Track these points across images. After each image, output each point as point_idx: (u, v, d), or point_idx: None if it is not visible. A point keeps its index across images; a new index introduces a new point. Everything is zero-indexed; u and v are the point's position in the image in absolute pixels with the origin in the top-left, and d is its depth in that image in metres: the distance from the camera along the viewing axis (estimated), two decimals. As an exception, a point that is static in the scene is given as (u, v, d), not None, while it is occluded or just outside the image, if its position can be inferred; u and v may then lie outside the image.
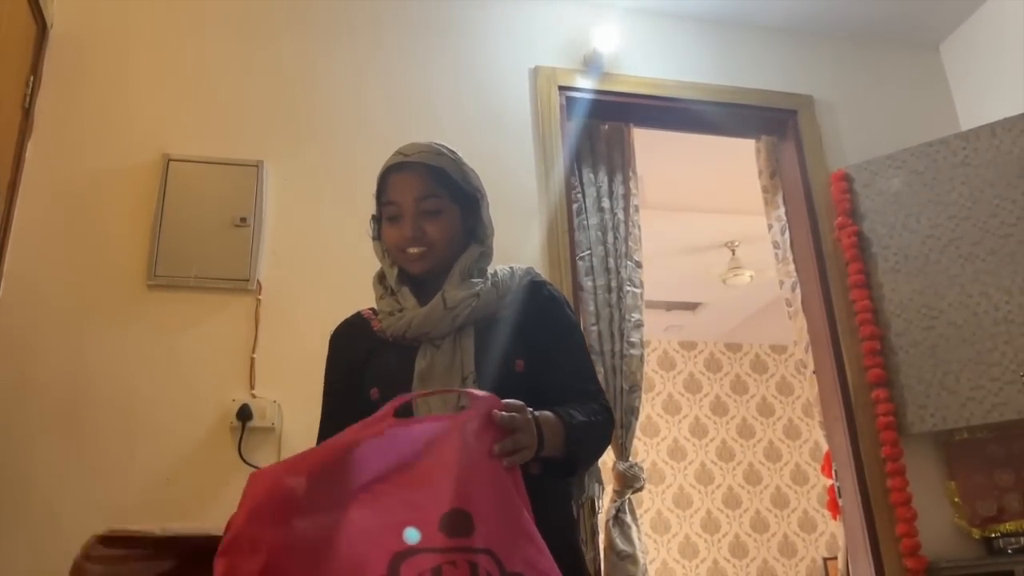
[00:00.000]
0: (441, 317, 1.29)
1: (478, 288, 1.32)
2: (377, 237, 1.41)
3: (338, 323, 1.46)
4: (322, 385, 1.42)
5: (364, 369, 1.34)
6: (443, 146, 1.38)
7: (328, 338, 1.45)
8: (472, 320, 1.30)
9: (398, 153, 1.37)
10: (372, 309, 1.43)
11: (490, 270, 1.38)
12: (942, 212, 2.69)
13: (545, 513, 1.09)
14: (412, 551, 0.86)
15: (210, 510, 2.06)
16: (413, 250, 1.33)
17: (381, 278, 1.41)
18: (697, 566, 6.09)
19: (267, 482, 0.98)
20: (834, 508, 2.75)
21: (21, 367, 2.07)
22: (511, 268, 1.40)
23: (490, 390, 1.16)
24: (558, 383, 1.30)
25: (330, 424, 1.37)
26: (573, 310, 1.45)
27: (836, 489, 2.71)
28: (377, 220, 1.41)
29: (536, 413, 1.12)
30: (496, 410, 1.03)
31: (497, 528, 0.90)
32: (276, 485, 0.98)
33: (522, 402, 1.09)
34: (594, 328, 2.65)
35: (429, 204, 1.33)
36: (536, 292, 1.38)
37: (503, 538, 0.90)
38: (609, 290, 2.71)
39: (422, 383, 1.25)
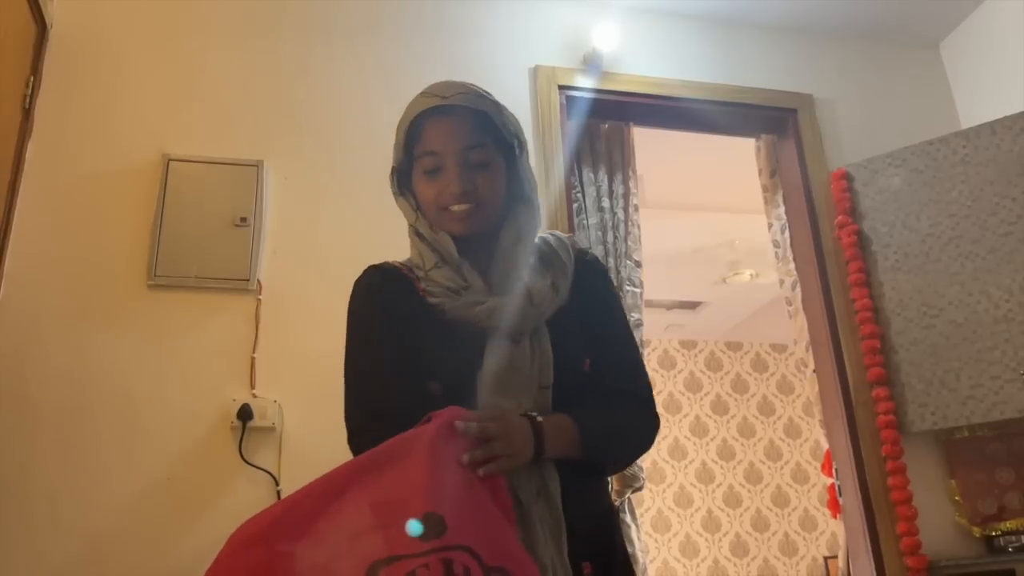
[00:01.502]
0: (528, 314, 1.14)
1: (552, 278, 1.19)
2: (401, 194, 1.24)
3: (360, 281, 1.25)
4: (343, 371, 1.20)
5: (411, 340, 1.15)
6: (478, 87, 1.21)
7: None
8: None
9: (432, 95, 1.18)
10: (404, 264, 1.25)
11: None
12: (942, 210, 2.69)
13: (579, 506, 1.07)
14: (389, 560, 0.85)
15: (210, 509, 2.06)
16: (459, 207, 1.16)
17: (420, 235, 1.22)
18: (698, 565, 6.09)
19: (243, 529, 0.95)
20: (834, 507, 2.75)
21: (21, 367, 2.07)
22: (555, 238, 1.26)
23: (562, 396, 1.12)
24: (603, 379, 1.18)
25: (383, 394, 1.12)
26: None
27: (836, 488, 2.71)
28: (400, 174, 1.24)
29: (540, 417, 1.06)
30: (459, 420, 0.96)
31: (474, 530, 0.89)
32: (253, 522, 0.94)
33: (500, 411, 1.04)
34: (594, 327, 2.65)
35: (477, 155, 1.16)
36: (587, 271, 1.25)
37: (480, 537, 0.89)
38: (609, 289, 2.71)
39: (499, 385, 1.10)
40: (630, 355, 1.25)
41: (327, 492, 0.94)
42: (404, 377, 1.13)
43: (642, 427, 1.21)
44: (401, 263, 1.26)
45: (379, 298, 1.20)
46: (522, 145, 1.23)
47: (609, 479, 2.47)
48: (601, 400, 1.17)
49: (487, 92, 1.21)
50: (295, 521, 0.92)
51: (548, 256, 1.23)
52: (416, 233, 1.23)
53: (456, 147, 1.16)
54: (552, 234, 1.28)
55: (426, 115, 1.17)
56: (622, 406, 1.19)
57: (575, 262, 1.25)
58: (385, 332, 1.17)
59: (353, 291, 1.25)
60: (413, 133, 1.19)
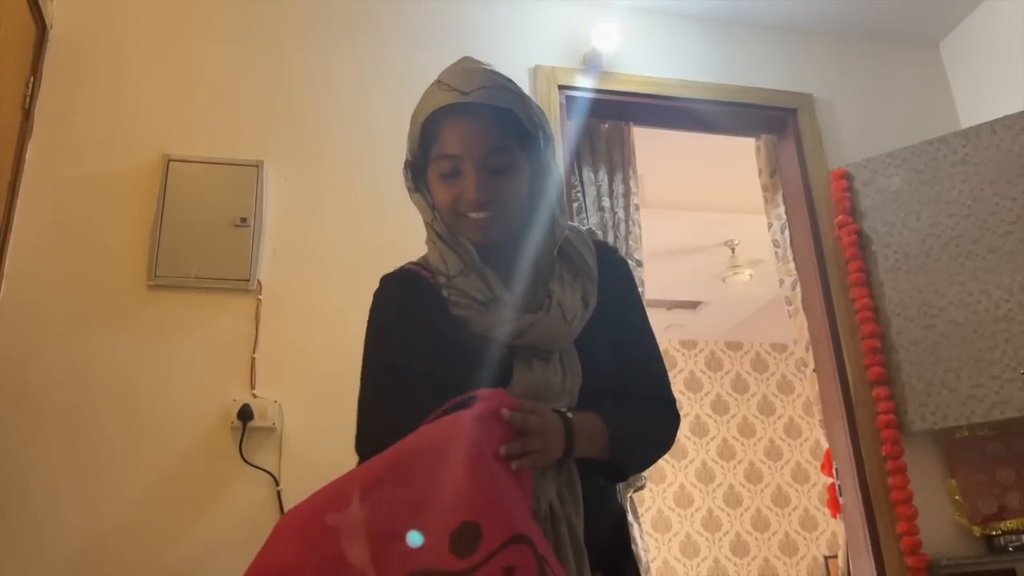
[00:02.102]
0: (562, 333, 1.07)
1: (583, 289, 1.12)
2: (416, 190, 1.14)
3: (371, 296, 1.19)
4: (360, 371, 1.13)
5: (441, 359, 1.07)
6: (501, 75, 1.10)
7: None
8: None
9: (451, 88, 1.07)
10: (420, 265, 1.17)
11: None
12: (942, 210, 2.69)
13: (597, 512, 1.04)
14: (424, 573, 0.82)
15: (210, 509, 2.06)
16: (478, 215, 1.08)
17: (440, 236, 1.13)
18: (698, 565, 6.09)
19: (291, 524, 0.92)
20: (835, 506, 2.75)
21: (22, 367, 2.07)
22: (575, 233, 1.18)
23: (579, 406, 1.07)
24: (627, 382, 1.15)
25: (400, 410, 1.03)
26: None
27: (837, 487, 2.71)
28: (414, 168, 1.14)
29: (571, 415, 1.02)
30: (505, 408, 0.93)
31: (523, 519, 0.87)
32: (297, 514, 0.92)
33: (543, 404, 1.00)
34: (594, 327, 2.65)
35: (499, 159, 1.06)
36: (609, 270, 1.18)
37: (530, 527, 0.87)
38: (609, 289, 2.71)
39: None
40: (654, 358, 1.20)
41: (368, 482, 0.90)
42: (420, 404, 0.98)
43: (666, 430, 1.18)
44: (419, 264, 1.18)
45: (400, 315, 1.13)
46: (548, 138, 1.12)
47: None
48: (626, 403, 1.13)
49: (510, 80, 1.10)
50: (338, 511, 0.88)
51: (574, 261, 1.15)
52: (436, 233, 1.13)
53: (477, 151, 1.06)
54: (571, 228, 1.18)
55: (444, 113, 1.07)
56: (648, 409, 1.16)
57: (602, 265, 1.17)
58: (408, 357, 1.09)
59: (373, 304, 1.18)
60: (429, 132, 1.09)
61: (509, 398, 0.97)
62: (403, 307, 1.14)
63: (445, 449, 0.89)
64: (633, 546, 2.42)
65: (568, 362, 1.08)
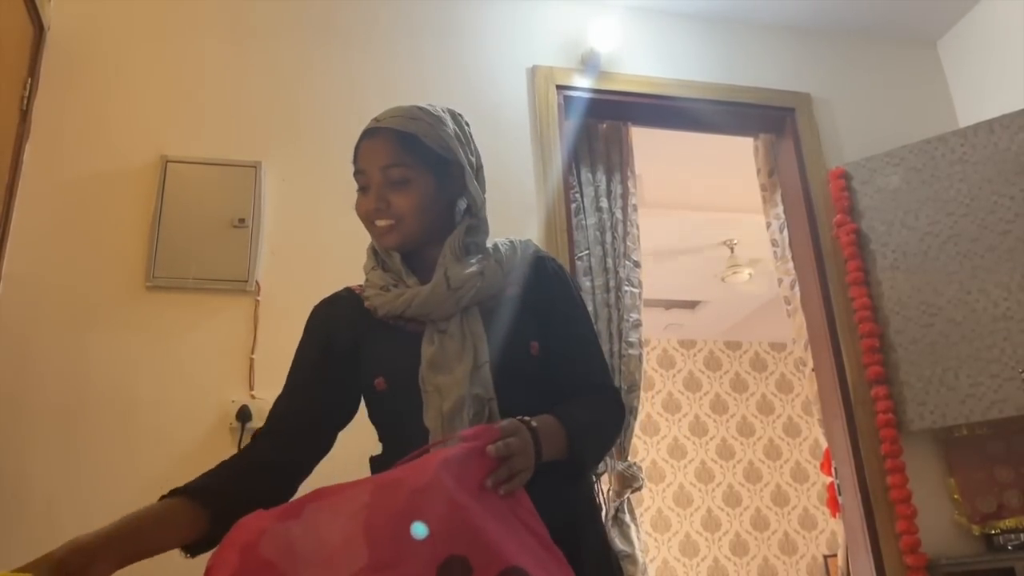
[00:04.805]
0: (445, 298, 1.19)
1: (481, 266, 1.23)
2: None
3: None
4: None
5: (359, 353, 1.24)
6: (424, 109, 1.27)
7: None
8: (477, 300, 1.21)
9: (373, 120, 1.28)
10: (361, 284, 1.33)
11: (488, 244, 1.30)
12: (940, 209, 2.69)
13: (572, 514, 1.07)
14: None
15: (210, 511, 2.05)
16: (380, 223, 1.24)
17: (375, 249, 1.31)
18: (698, 564, 6.09)
19: (252, 527, 0.92)
20: (834, 506, 2.75)
21: (20, 368, 2.07)
22: (511, 241, 1.32)
23: (507, 376, 1.15)
24: (567, 374, 1.23)
25: (285, 401, 1.25)
26: (576, 284, 1.37)
27: (836, 487, 2.71)
28: None
29: (535, 422, 1.05)
30: (491, 444, 0.96)
31: (515, 551, 0.86)
32: (262, 531, 0.91)
33: (517, 422, 1.03)
34: (593, 327, 2.65)
35: (395, 173, 1.22)
36: (541, 267, 1.30)
37: (524, 558, 0.86)
38: (607, 290, 2.72)
39: (432, 370, 1.16)
40: (594, 352, 1.29)
41: (344, 524, 0.89)
42: (305, 388, 1.25)
43: (613, 419, 1.25)
44: (360, 284, 1.34)
45: (312, 327, 1.32)
46: (465, 162, 1.27)
47: (597, 480, 2.47)
48: (568, 396, 1.20)
49: (430, 113, 1.26)
50: (309, 551, 0.87)
51: (492, 253, 1.28)
52: (371, 247, 1.31)
53: (376, 166, 1.23)
54: (510, 240, 1.33)
55: (362, 137, 1.27)
56: (593, 400, 1.22)
57: (531, 261, 1.29)
58: (304, 357, 1.29)
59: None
60: (355, 154, 1.28)
61: (493, 433, 0.98)
62: (313, 319, 1.33)
63: (423, 487, 0.88)
64: (629, 547, 2.42)
65: (468, 325, 1.19)
